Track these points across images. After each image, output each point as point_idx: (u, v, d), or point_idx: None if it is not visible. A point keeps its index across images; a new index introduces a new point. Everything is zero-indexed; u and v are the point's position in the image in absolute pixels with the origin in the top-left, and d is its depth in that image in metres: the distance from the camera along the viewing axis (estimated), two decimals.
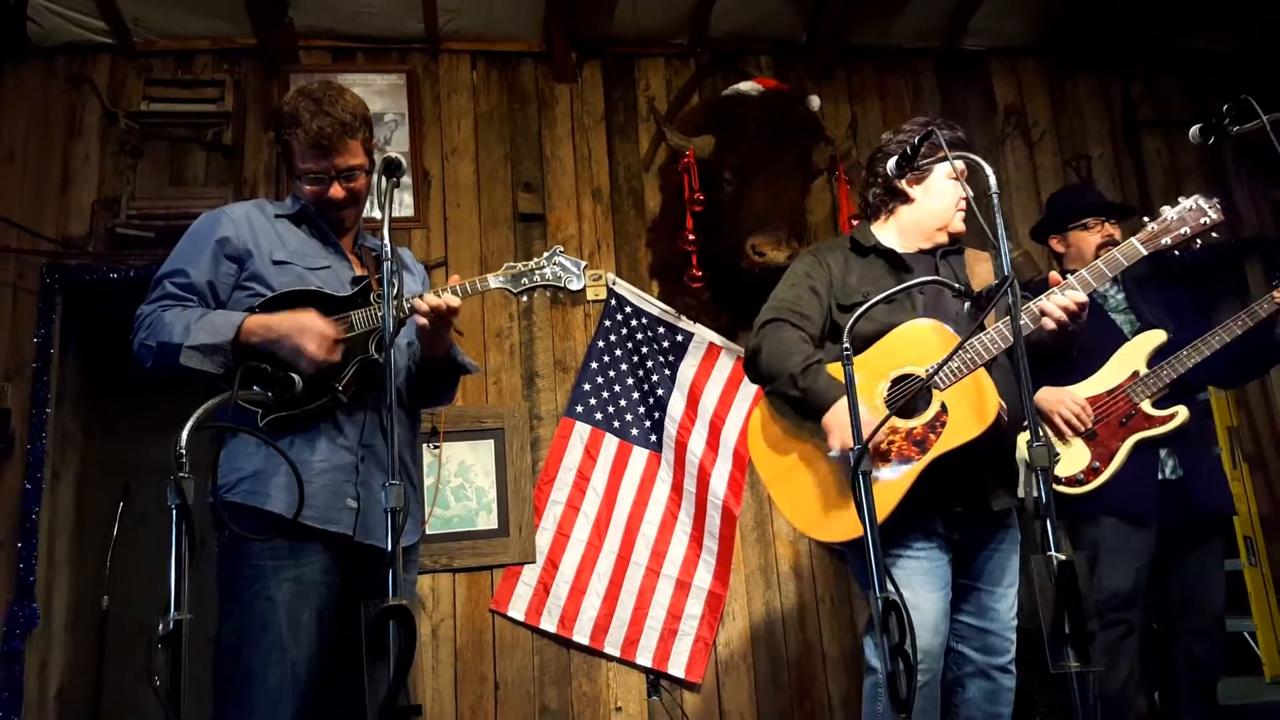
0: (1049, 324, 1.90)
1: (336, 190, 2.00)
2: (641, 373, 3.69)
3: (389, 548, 1.92)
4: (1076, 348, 2.01)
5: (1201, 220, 1.89)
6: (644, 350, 3.69)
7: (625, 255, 3.84)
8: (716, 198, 3.46)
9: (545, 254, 2.05)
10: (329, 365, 1.86)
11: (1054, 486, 2.22)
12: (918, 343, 2.05)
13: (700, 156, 3.45)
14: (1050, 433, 2.60)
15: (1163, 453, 2.61)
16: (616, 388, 3.68)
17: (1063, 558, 1.40)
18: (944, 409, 1.99)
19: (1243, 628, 4.01)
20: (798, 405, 2.08)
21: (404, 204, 3.76)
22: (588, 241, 3.83)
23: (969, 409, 1.96)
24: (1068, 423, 2.58)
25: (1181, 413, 2.56)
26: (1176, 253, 1.93)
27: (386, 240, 1.56)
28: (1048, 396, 2.61)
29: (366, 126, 2.05)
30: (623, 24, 3.90)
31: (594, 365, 3.69)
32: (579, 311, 3.76)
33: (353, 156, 2.00)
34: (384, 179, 1.64)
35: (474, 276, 2.03)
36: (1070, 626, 1.41)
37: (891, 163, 1.98)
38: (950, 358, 1.90)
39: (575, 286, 2.04)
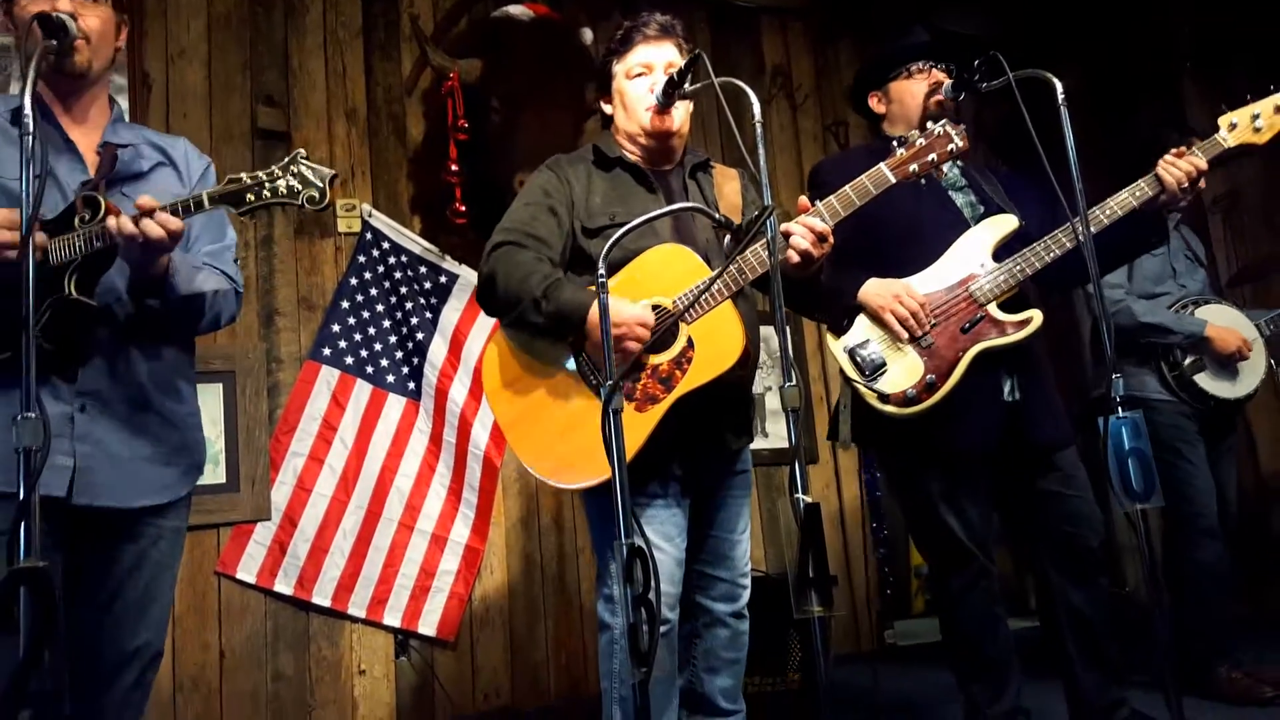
0: (793, 255, 1.82)
1: (64, 3, 1.63)
2: (400, 315, 3.43)
3: (124, 505, 1.65)
4: (824, 276, 1.94)
5: (949, 147, 1.86)
6: (403, 290, 3.43)
7: (383, 186, 3.53)
8: (483, 127, 3.25)
9: (283, 161, 1.65)
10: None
11: (883, 407, 2.10)
12: (663, 270, 1.91)
13: (466, 81, 3.22)
14: (880, 338, 2.15)
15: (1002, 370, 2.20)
16: (370, 330, 3.40)
17: (809, 500, 1.37)
18: (690, 344, 1.89)
19: None
20: (544, 332, 1.90)
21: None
22: (340, 167, 3.47)
23: (716, 343, 1.88)
24: (903, 322, 2.12)
25: (1036, 317, 2.13)
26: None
27: (27, 105, 1.25)
28: (876, 290, 2.16)
29: None
30: None
31: (345, 304, 3.37)
32: (329, 244, 3.42)
33: None
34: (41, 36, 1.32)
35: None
36: (814, 570, 1.39)
37: (660, 90, 1.89)
38: (705, 290, 1.81)
39: (319, 203, 1.64)
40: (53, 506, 1.55)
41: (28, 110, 1.26)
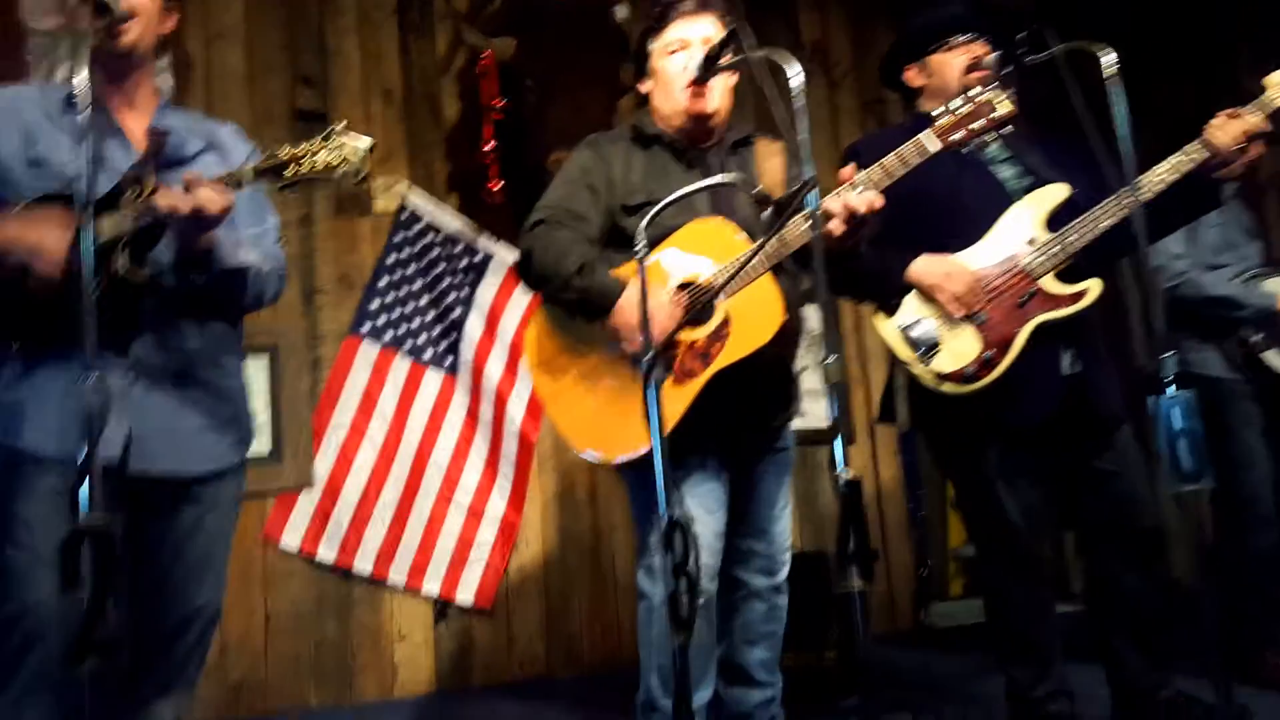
0: (837, 227, 1.78)
1: None
2: (437, 292, 3.48)
3: (178, 472, 1.71)
4: (865, 254, 1.91)
5: (994, 114, 1.80)
6: (440, 268, 3.48)
7: (420, 165, 3.57)
8: (518, 106, 3.27)
9: (322, 134, 1.63)
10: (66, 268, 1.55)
11: (941, 386, 2.05)
12: (701, 245, 1.90)
13: (501, 60, 3.24)
14: (934, 314, 2.09)
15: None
16: (409, 306, 3.45)
17: (850, 476, 1.38)
18: (728, 318, 1.88)
19: None
20: (578, 308, 1.92)
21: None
22: (378, 148, 3.49)
23: (754, 318, 1.86)
24: (957, 299, 2.06)
25: (1094, 287, 2.05)
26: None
27: (83, 84, 1.28)
28: (928, 268, 2.09)
29: None
30: None
31: (383, 282, 3.43)
32: (366, 223, 3.47)
33: None
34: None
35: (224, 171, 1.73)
36: (856, 546, 1.39)
37: (696, 66, 1.88)
38: (744, 265, 1.80)
39: (356, 177, 1.64)
40: (109, 473, 1.60)
41: (84, 87, 1.29)
